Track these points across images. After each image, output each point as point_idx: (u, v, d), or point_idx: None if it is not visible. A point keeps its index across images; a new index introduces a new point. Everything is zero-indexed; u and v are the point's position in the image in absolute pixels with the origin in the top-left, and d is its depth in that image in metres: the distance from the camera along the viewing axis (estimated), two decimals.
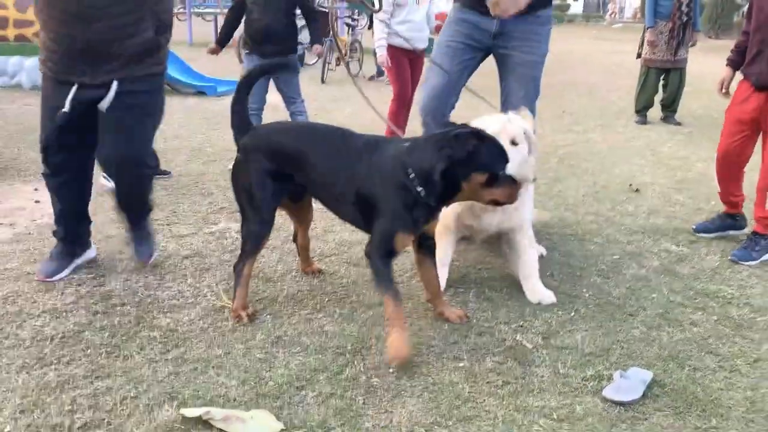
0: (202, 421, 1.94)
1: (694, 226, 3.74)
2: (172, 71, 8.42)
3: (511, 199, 2.36)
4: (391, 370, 2.23)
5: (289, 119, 4.86)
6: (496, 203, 2.38)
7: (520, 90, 3.12)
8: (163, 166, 4.53)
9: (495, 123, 2.57)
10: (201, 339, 2.43)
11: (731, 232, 3.65)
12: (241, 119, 2.65)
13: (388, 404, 2.07)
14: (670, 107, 6.93)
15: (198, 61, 9.57)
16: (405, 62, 5.29)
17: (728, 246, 3.48)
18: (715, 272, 3.18)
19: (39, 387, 2.09)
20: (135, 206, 3.00)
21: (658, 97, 7.07)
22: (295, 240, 3.04)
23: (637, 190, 4.53)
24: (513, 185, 2.33)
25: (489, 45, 3.17)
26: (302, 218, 2.91)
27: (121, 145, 2.72)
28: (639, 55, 7.04)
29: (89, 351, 2.32)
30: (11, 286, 2.80)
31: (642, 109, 7.00)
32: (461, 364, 2.30)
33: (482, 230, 2.87)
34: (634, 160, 5.46)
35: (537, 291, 2.82)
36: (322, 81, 9.73)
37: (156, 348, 2.36)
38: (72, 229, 2.96)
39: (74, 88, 2.63)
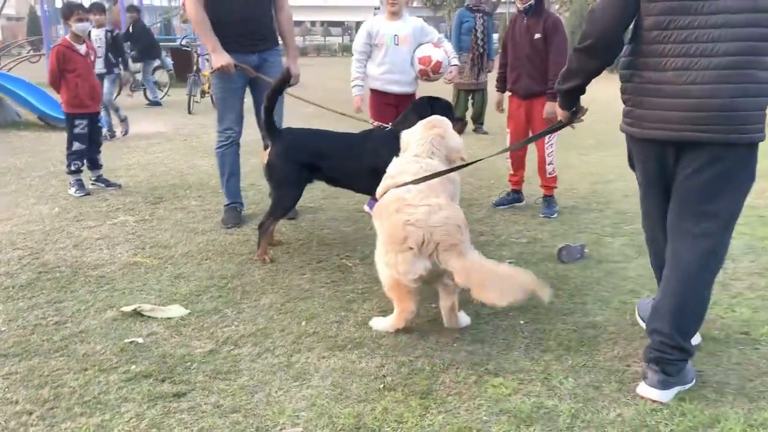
0: (136, 313, 3.05)
1: (494, 201, 5.13)
2: (45, 108, 9.07)
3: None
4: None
5: None
6: None
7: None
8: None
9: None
10: (124, 279, 3.52)
11: (517, 204, 5.15)
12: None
13: (256, 297, 3.29)
14: (478, 120, 8.69)
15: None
16: (386, 107, 4.61)
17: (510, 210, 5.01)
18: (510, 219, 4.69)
19: (16, 309, 3.10)
20: None
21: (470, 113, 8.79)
22: None
23: None
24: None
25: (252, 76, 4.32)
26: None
27: None
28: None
29: (45, 289, 3.34)
30: None
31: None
32: (305, 276, 3.57)
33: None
34: None
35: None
36: (189, 112, 10.71)
37: (92, 286, 3.42)
38: None
39: None
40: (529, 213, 4.90)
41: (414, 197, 2.80)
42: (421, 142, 3.18)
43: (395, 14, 4.54)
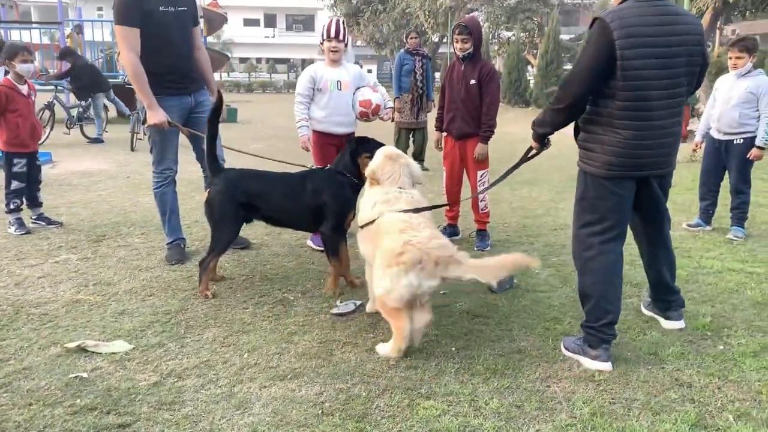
0: (80, 349, 3.11)
1: None
2: None
3: None
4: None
5: None
6: None
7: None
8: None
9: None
10: (67, 317, 3.56)
11: (454, 238, 5.41)
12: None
13: (200, 331, 3.39)
14: (419, 157, 9.00)
15: None
16: (329, 148, 4.86)
17: None
18: None
19: None
20: None
21: (411, 150, 9.11)
22: None
23: None
24: None
25: (188, 115, 4.53)
26: None
27: None
28: (392, 119, 9.09)
29: None
30: None
31: None
32: (248, 310, 3.70)
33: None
34: None
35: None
36: (132, 149, 10.68)
37: (35, 323, 3.45)
38: None
39: None
40: (465, 246, 5.15)
41: (418, 223, 3.11)
42: (397, 175, 3.44)
43: (336, 62, 4.82)
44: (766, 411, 2.63)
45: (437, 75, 23.40)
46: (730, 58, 5.43)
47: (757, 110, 5.25)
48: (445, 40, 35.16)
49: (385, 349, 3.11)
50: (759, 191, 7.71)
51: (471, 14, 28.39)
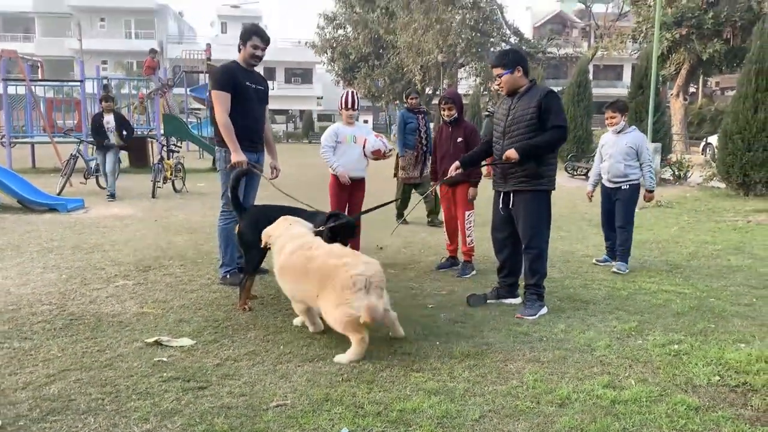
0: (157, 343, 4.15)
1: (436, 266, 6.54)
2: (24, 192, 10.02)
3: None
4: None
5: None
6: None
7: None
8: (67, 254, 6.42)
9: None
10: (139, 323, 4.60)
11: (454, 267, 6.49)
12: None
13: (244, 332, 4.43)
14: (434, 212, 9.61)
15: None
16: (344, 188, 6.43)
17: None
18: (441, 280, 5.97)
19: (64, 343, 4.14)
20: None
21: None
22: None
23: (381, 248, 7.36)
24: None
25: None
26: None
27: None
28: (395, 175, 9.93)
29: (80, 331, 4.39)
30: None
31: (400, 215, 9.47)
32: (278, 318, 4.74)
33: None
34: (393, 239, 8.27)
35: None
36: (153, 196, 11.80)
37: (116, 327, 4.49)
38: None
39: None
40: (449, 274, 6.24)
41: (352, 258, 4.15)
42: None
43: (351, 123, 6.51)
44: (658, 377, 3.68)
45: (431, 125, 24.88)
46: (607, 117, 6.65)
47: (638, 161, 6.47)
48: (437, 92, 36.84)
49: (345, 357, 3.91)
50: (707, 231, 8.88)
51: (450, 88, 30.22)
